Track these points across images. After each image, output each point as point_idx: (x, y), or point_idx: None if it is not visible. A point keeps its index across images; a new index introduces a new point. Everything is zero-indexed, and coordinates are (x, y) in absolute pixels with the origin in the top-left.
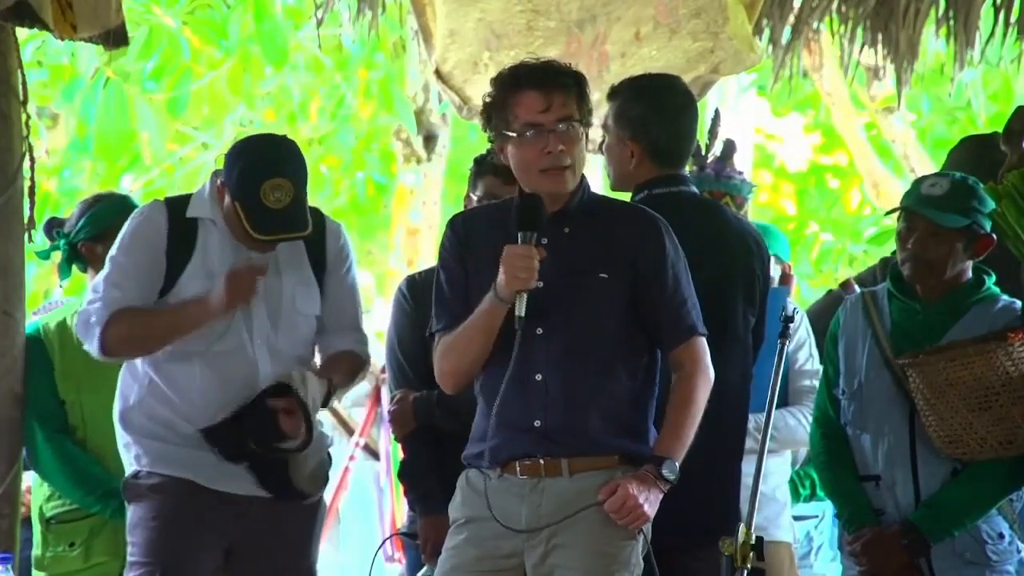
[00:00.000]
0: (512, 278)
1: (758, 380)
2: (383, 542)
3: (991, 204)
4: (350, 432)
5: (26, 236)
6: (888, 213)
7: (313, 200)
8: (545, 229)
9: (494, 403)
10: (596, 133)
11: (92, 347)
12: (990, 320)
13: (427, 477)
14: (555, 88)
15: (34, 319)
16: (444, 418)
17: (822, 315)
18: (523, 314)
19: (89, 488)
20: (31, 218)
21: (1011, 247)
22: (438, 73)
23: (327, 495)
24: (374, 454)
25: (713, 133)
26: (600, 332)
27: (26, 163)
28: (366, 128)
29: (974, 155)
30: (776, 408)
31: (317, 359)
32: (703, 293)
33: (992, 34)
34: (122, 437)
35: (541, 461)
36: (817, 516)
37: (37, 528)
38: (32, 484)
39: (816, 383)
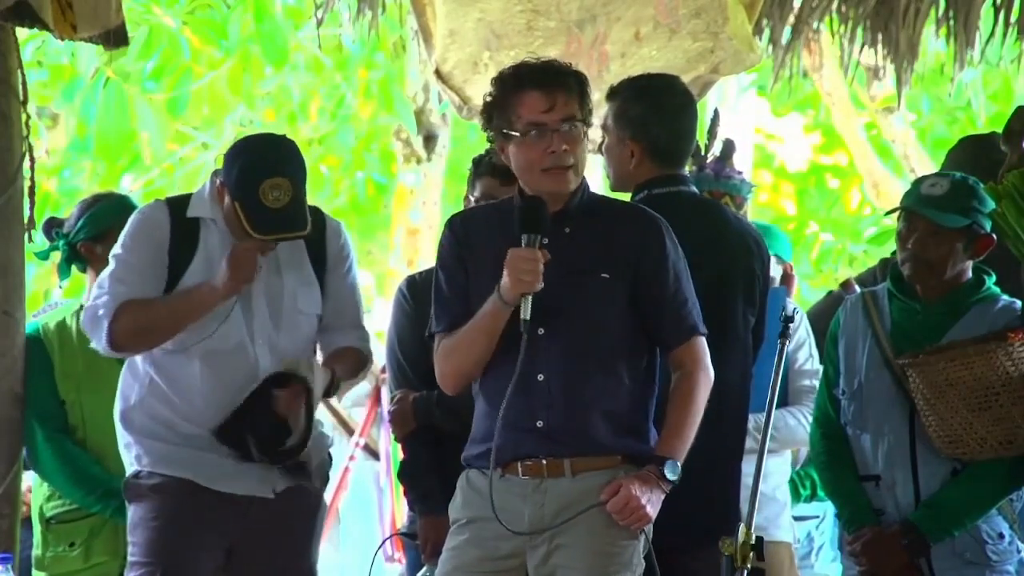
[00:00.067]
0: (516, 281)
1: (758, 380)
2: (383, 542)
3: (991, 204)
4: (350, 432)
5: (26, 236)
6: (888, 213)
7: (313, 200)
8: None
9: (496, 404)
10: (596, 133)
11: (100, 341)
12: (990, 320)
13: (427, 477)
14: (558, 88)
15: (34, 320)
16: (444, 418)
17: (822, 316)
18: (528, 317)
19: (89, 488)
20: (31, 218)
21: (1011, 247)
22: (438, 73)
23: (327, 495)
24: (374, 454)
25: (712, 133)
26: (602, 332)
27: (26, 163)
28: (366, 128)
29: (973, 155)
30: (776, 408)
31: (319, 357)
32: (703, 293)
33: (992, 34)
34: (123, 437)
35: (543, 461)
36: (818, 516)
37: (37, 528)
38: (32, 484)
39: (816, 383)
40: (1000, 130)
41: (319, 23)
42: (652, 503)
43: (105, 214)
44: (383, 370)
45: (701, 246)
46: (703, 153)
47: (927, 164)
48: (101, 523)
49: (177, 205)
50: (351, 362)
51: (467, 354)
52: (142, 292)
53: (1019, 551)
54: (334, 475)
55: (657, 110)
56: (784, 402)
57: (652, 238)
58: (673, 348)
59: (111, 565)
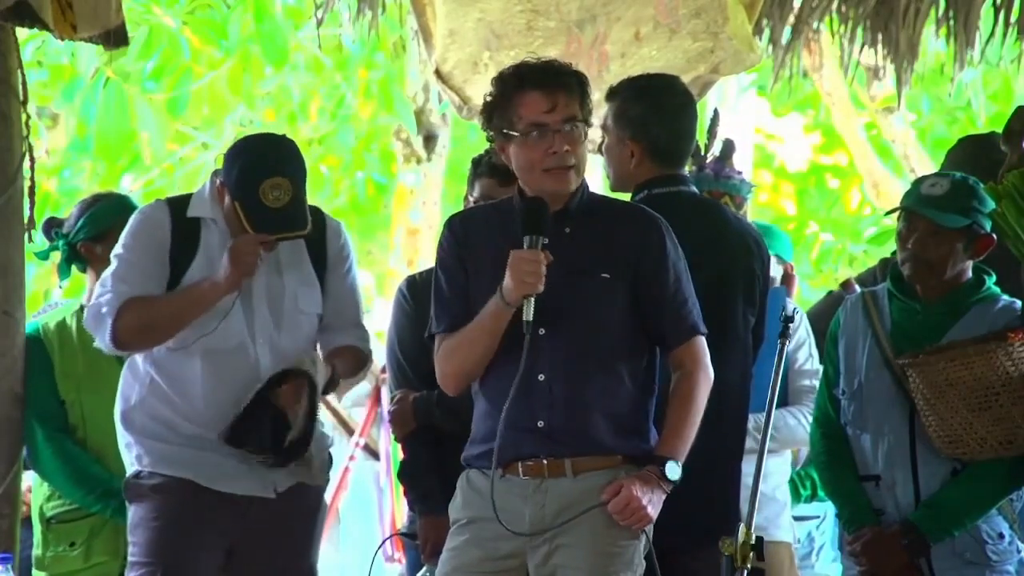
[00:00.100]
0: (520, 283)
1: (758, 380)
2: (383, 542)
3: (991, 204)
4: (350, 432)
5: (26, 236)
6: (888, 213)
7: (313, 200)
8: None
9: (497, 404)
10: (595, 134)
11: (104, 339)
12: (990, 320)
13: (427, 477)
14: (559, 88)
15: (34, 320)
16: (444, 418)
17: (822, 316)
18: (531, 318)
19: (89, 488)
20: (31, 218)
21: (1011, 247)
22: (438, 73)
23: (327, 495)
24: (374, 454)
25: (712, 133)
26: (602, 332)
27: (26, 163)
28: (366, 128)
29: (972, 155)
30: (776, 408)
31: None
32: (703, 293)
33: (992, 34)
34: (123, 437)
35: (544, 461)
36: (819, 516)
37: (37, 528)
38: (32, 484)
39: (816, 383)
40: (1000, 130)
41: (319, 23)
42: (653, 503)
43: (105, 214)
44: (383, 370)
45: (701, 246)
46: (703, 153)
47: (927, 164)
48: (101, 523)
49: (178, 205)
50: (351, 360)
51: (468, 355)
52: (145, 290)
53: (1019, 551)
54: (334, 475)
55: (657, 110)
56: (784, 402)
57: (652, 238)
58: (673, 348)
59: (111, 565)
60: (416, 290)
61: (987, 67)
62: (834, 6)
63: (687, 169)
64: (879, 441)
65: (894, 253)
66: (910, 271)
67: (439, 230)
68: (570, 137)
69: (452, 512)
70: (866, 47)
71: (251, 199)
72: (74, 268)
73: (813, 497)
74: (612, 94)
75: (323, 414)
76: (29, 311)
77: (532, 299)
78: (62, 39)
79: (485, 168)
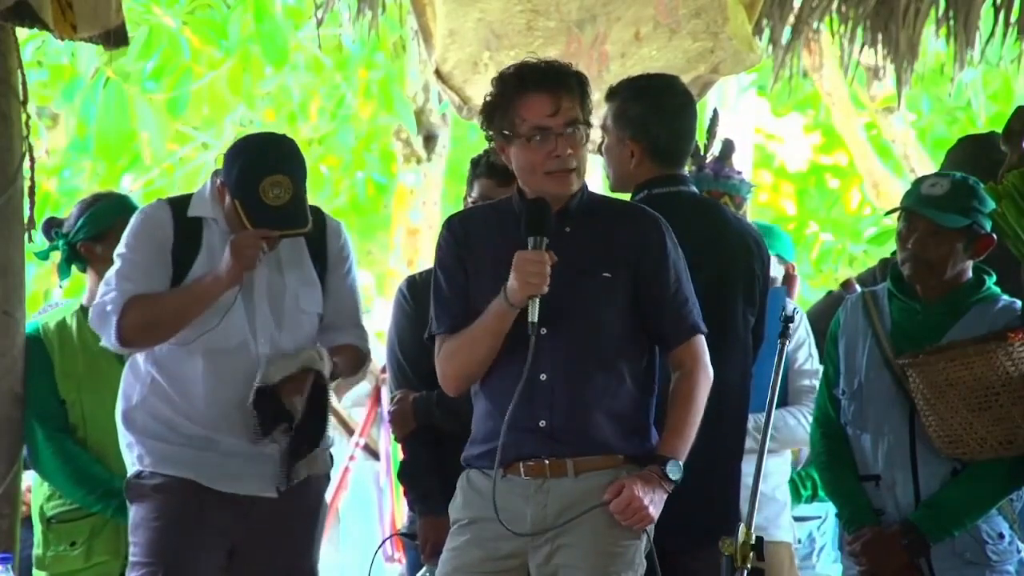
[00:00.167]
0: (524, 284)
1: (758, 380)
2: (383, 542)
3: (991, 204)
4: (350, 432)
5: (26, 236)
6: (888, 213)
7: (313, 200)
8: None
9: (498, 404)
10: (595, 134)
11: (109, 338)
12: (990, 320)
13: (427, 477)
14: (562, 91)
15: (34, 320)
16: (444, 418)
17: (822, 316)
18: (536, 319)
19: (90, 487)
20: (31, 218)
21: (1011, 247)
22: (438, 73)
23: (327, 495)
24: (374, 454)
25: (712, 133)
26: (603, 332)
27: (26, 163)
28: (366, 128)
29: (973, 155)
30: (776, 408)
31: None
32: (703, 293)
33: (992, 34)
34: (124, 437)
35: (546, 462)
36: (820, 517)
37: (38, 527)
38: (32, 484)
39: (816, 383)
40: (1000, 130)
41: (319, 23)
42: (655, 503)
43: (105, 214)
44: (383, 370)
45: (701, 246)
46: (702, 153)
47: (927, 164)
48: (102, 522)
49: (179, 205)
50: (350, 359)
51: (471, 356)
52: (149, 288)
53: (1019, 551)
54: (334, 475)
55: (657, 110)
56: (784, 402)
57: (652, 237)
58: (673, 347)
59: (112, 565)
60: (416, 290)
61: (987, 67)
62: (834, 6)
63: (687, 169)
64: (879, 441)
65: (894, 253)
66: (910, 271)
67: (439, 230)
68: (572, 140)
69: (452, 512)
70: (866, 47)
71: (251, 197)
72: (74, 268)
73: (814, 497)
74: (612, 94)
75: None
76: (29, 311)
77: (537, 300)
78: (62, 39)
79: (484, 168)
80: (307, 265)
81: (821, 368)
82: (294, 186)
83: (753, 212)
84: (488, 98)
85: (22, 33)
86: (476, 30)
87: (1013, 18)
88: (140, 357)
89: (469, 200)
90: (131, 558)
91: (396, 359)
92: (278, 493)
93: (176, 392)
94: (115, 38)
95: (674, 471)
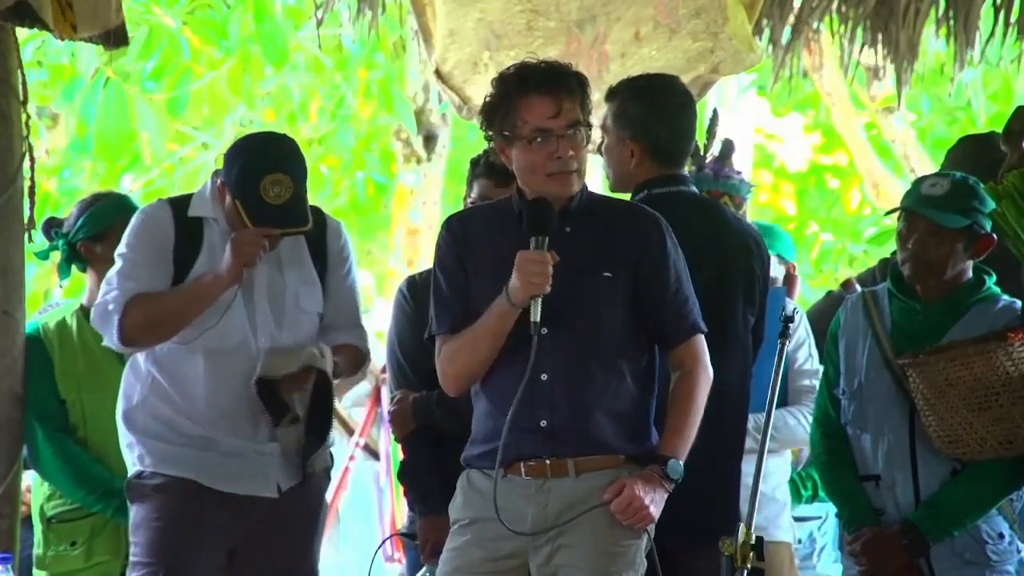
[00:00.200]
0: (527, 284)
1: (758, 380)
2: (383, 542)
3: (991, 204)
4: (350, 432)
5: (26, 236)
6: (888, 213)
7: (313, 200)
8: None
9: (499, 404)
10: (595, 134)
11: (112, 337)
12: (990, 320)
13: (427, 477)
14: (563, 92)
15: (34, 320)
16: (444, 418)
17: (822, 316)
18: (538, 319)
19: (90, 487)
20: (31, 218)
21: (1011, 247)
22: (438, 73)
23: (327, 495)
24: (374, 454)
25: (711, 133)
26: (604, 331)
27: (26, 163)
28: (366, 128)
29: (973, 155)
30: (776, 408)
31: None
32: (703, 293)
33: (992, 34)
34: (125, 437)
35: (547, 462)
36: (820, 517)
37: (38, 527)
38: (32, 483)
39: (816, 383)
40: (1000, 130)
41: (319, 23)
42: (655, 503)
43: (105, 214)
44: (383, 370)
45: (701, 246)
46: (702, 153)
47: (927, 164)
48: (102, 522)
49: (179, 205)
50: (350, 358)
51: (472, 356)
52: (150, 287)
53: (1019, 551)
54: (334, 475)
55: (657, 110)
56: (784, 402)
57: (652, 237)
58: (673, 347)
59: (113, 564)
60: (416, 290)
61: (987, 67)
62: (834, 6)
63: (687, 169)
64: (879, 441)
65: (894, 253)
66: (910, 271)
67: (439, 230)
68: (573, 141)
69: (453, 512)
70: (866, 47)
71: (252, 196)
72: (74, 268)
73: (814, 497)
74: (612, 94)
75: None
76: (29, 311)
77: (539, 300)
78: (62, 39)
79: (483, 169)
80: (307, 264)
81: (821, 368)
82: (294, 185)
83: (753, 212)
84: (488, 99)
85: (22, 33)
86: (476, 30)
87: (1013, 18)
88: (140, 357)
89: (468, 200)
90: (132, 558)
91: (396, 359)
92: (279, 493)
93: (177, 392)
94: (115, 38)
95: (675, 470)
